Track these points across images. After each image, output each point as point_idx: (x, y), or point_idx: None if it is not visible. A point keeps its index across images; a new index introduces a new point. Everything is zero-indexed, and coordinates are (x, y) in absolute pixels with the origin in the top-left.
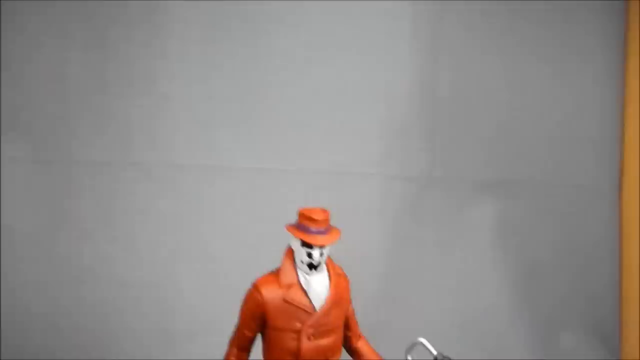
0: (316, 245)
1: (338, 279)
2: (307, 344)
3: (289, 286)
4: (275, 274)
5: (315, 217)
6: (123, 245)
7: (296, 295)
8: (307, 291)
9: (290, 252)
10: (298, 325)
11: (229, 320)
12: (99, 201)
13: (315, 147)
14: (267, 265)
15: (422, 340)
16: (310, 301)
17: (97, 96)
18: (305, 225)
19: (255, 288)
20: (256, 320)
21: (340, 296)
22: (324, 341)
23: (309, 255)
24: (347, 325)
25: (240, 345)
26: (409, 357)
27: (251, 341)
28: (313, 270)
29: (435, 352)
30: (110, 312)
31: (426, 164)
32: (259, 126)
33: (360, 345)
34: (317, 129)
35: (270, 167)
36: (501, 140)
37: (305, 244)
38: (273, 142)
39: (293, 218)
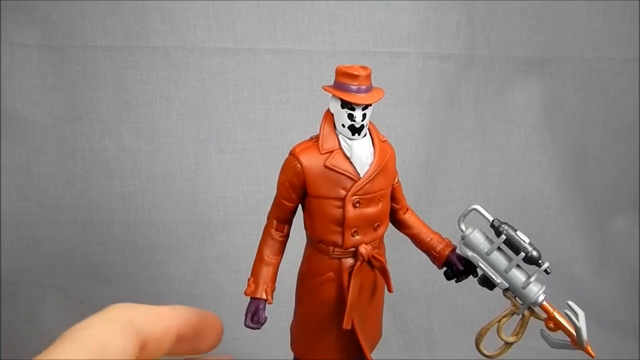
0: (358, 105)
1: (383, 145)
2: (352, 212)
3: (330, 152)
4: (315, 140)
5: (355, 72)
6: (147, 137)
7: (338, 161)
8: (350, 157)
9: (329, 117)
10: (342, 192)
11: (262, 211)
12: (119, 91)
13: (343, 25)
14: None
15: (477, 207)
16: (354, 167)
17: None
18: (345, 84)
19: (293, 155)
20: (296, 190)
21: (385, 163)
22: (371, 209)
23: (351, 116)
24: (394, 197)
25: (280, 217)
26: (463, 225)
27: (292, 212)
28: (356, 134)
29: (491, 218)
30: (139, 205)
31: (465, 40)
32: (284, 5)
33: (408, 217)
34: (344, 6)
35: (297, 49)
36: (548, 11)
37: (345, 105)
38: (299, 22)
39: (323, 102)
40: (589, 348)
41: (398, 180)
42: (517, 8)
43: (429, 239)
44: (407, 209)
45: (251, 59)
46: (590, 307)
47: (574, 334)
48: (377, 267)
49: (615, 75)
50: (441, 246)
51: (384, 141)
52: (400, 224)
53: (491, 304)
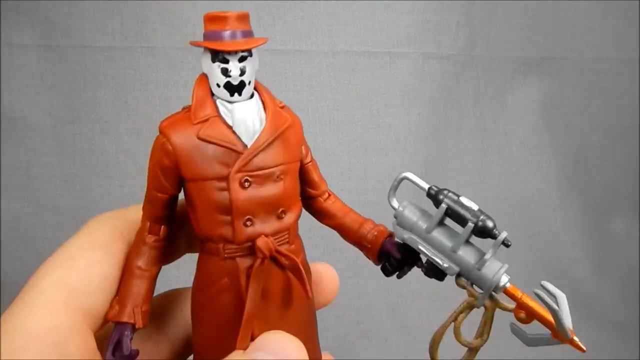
0: (230, 53)
1: (279, 110)
2: (241, 194)
3: (205, 120)
4: (186, 110)
5: (221, 14)
6: (146, 137)
7: (215, 130)
8: (232, 124)
9: (202, 79)
10: (224, 169)
11: None
12: (118, 91)
13: (343, 25)
14: None
15: (408, 174)
16: (238, 136)
17: None
18: (213, 31)
19: (160, 132)
20: (168, 175)
21: (283, 132)
22: (268, 190)
23: (225, 72)
24: (308, 180)
25: (153, 215)
26: (395, 201)
27: (166, 207)
28: (235, 94)
29: (426, 186)
30: None
31: (465, 40)
32: (283, 5)
33: (329, 204)
34: (344, 6)
35: (297, 49)
36: (547, 11)
37: (217, 57)
38: (299, 22)
39: (323, 102)
40: (575, 339)
41: (311, 158)
42: (516, 8)
43: (357, 227)
44: (329, 195)
45: None
46: (590, 307)
47: (553, 322)
48: (287, 267)
49: (615, 76)
50: (373, 234)
51: (282, 107)
52: (320, 214)
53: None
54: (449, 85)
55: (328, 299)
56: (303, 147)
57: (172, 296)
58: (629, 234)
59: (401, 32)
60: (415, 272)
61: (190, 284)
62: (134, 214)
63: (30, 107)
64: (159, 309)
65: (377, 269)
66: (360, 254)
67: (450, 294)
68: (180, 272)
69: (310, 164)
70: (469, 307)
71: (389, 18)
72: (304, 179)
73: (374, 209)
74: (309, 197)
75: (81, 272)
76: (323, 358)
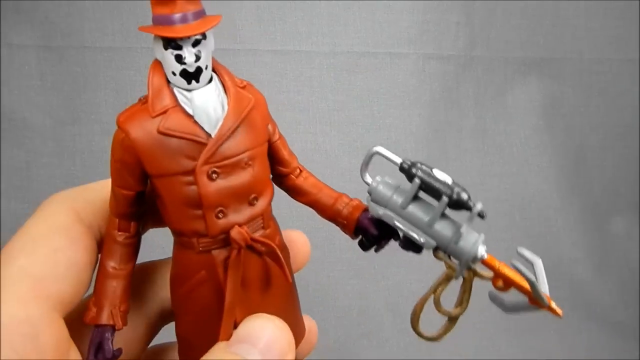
0: (182, 39)
1: (240, 91)
2: (210, 186)
3: (164, 112)
4: (143, 101)
5: None
6: None
7: (176, 122)
8: (192, 113)
9: (157, 67)
10: (190, 163)
11: None
12: (118, 92)
13: (343, 26)
14: (300, 159)
15: (379, 148)
16: (200, 127)
17: None
18: (162, 15)
19: (119, 127)
20: (131, 172)
21: (248, 114)
22: (237, 179)
23: (179, 58)
24: (278, 158)
25: (121, 212)
26: (368, 176)
27: (134, 204)
28: (193, 81)
29: (399, 160)
30: None
31: (465, 41)
32: (284, 5)
33: (302, 181)
34: (344, 7)
35: (297, 50)
36: (547, 12)
37: (169, 44)
38: (299, 22)
39: (323, 103)
40: (552, 304)
41: (279, 135)
42: (516, 9)
43: (331, 202)
44: (301, 171)
45: (251, 59)
46: (590, 307)
47: (530, 289)
48: (265, 253)
49: (614, 76)
50: (348, 209)
51: (243, 87)
52: (293, 192)
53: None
54: (449, 85)
55: (300, 266)
56: (270, 125)
57: (145, 269)
58: (629, 234)
59: (401, 32)
60: (416, 272)
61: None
62: (92, 194)
63: (30, 107)
64: (132, 285)
65: (378, 269)
66: (361, 253)
67: (451, 295)
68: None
69: (278, 141)
70: (447, 279)
71: (389, 19)
72: (274, 157)
73: None
74: (281, 175)
75: (45, 259)
76: (305, 322)
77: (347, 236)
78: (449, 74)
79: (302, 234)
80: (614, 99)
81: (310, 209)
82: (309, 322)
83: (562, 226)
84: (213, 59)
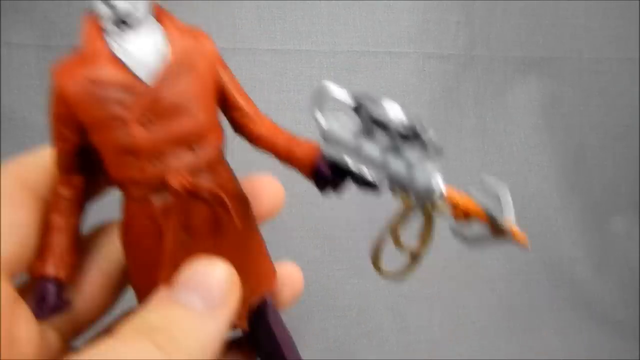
0: None
1: (183, 35)
2: (143, 134)
3: (96, 59)
4: (78, 51)
5: None
6: None
7: (107, 69)
8: (124, 60)
9: (90, 17)
10: (122, 111)
11: None
12: None
13: (343, 25)
14: None
15: (327, 83)
16: (133, 73)
17: None
18: None
19: (52, 78)
20: (67, 123)
21: (190, 59)
22: (174, 125)
23: (108, 2)
24: (232, 104)
25: (62, 165)
26: (319, 115)
27: (74, 155)
28: (125, 27)
29: (348, 97)
30: None
31: (465, 40)
32: (284, 5)
33: (258, 127)
34: (344, 6)
35: (297, 49)
36: (547, 11)
37: None
38: (299, 22)
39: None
40: (515, 231)
41: (231, 78)
42: (516, 8)
43: (288, 146)
44: (263, 120)
45: (251, 59)
46: (590, 307)
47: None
48: (209, 199)
49: (614, 76)
50: (303, 151)
51: (187, 31)
52: (250, 138)
53: (492, 304)
54: (449, 85)
55: (271, 212)
56: (219, 68)
57: (104, 228)
58: (629, 233)
59: (401, 32)
60: (416, 272)
61: None
62: (39, 158)
63: (30, 107)
64: (90, 244)
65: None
66: (361, 255)
67: (450, 295)
68: None
69: (229, 85)
70: (405, 214)
71: (389, 18)
72: (227, 103)
73: (376, 209)
74: (235, 122)
75: None
76: (287, 268)
77: (347, 235)
78: (449, 74)
79: (272, 178)
80: (614, 99)
81: (314, 211)
82: (289, 268)
83: (562, 226)
84: (157, 5)
